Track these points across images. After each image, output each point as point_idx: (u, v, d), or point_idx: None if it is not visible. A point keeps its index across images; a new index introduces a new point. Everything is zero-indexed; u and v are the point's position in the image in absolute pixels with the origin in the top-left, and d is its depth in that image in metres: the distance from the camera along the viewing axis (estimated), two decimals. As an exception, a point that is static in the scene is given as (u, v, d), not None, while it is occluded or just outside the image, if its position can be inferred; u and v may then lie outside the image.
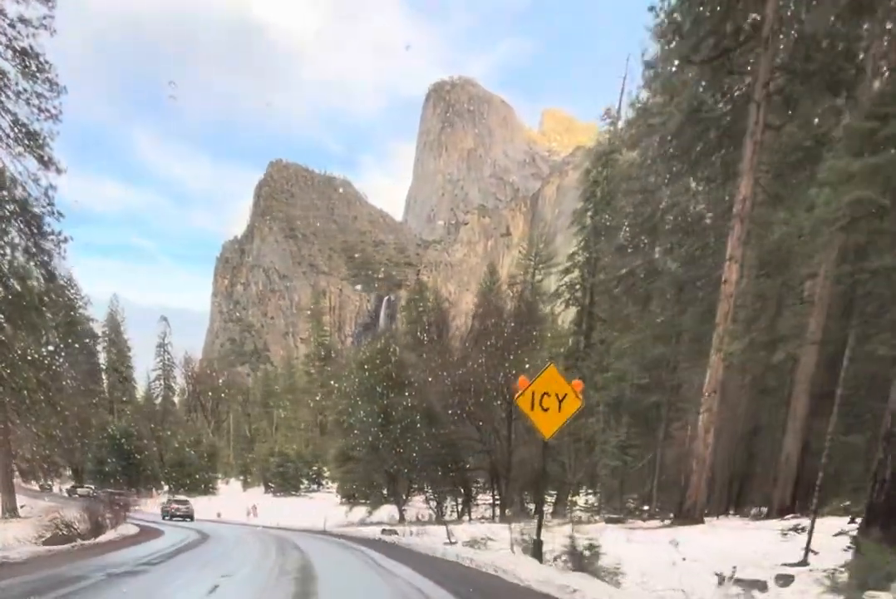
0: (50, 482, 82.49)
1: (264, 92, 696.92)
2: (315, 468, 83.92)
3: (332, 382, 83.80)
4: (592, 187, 44.07)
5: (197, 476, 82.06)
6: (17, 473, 66.56)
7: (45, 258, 42.17)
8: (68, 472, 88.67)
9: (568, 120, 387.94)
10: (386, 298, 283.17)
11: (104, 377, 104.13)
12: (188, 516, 44.27)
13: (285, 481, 76.94)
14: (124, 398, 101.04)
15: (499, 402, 38.15)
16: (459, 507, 43.14)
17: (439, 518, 38.39)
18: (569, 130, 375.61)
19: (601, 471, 32.27)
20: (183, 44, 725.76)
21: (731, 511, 25.91)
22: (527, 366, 34.50)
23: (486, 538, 16.60)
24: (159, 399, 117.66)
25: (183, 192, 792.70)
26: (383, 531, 25.62)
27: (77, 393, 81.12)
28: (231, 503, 63.26)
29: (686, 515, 20.76)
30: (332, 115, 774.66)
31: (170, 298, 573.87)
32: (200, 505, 59.31)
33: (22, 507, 49.44)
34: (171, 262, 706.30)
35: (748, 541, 13.89)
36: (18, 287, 39.42)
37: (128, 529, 26.07)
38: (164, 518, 44.11)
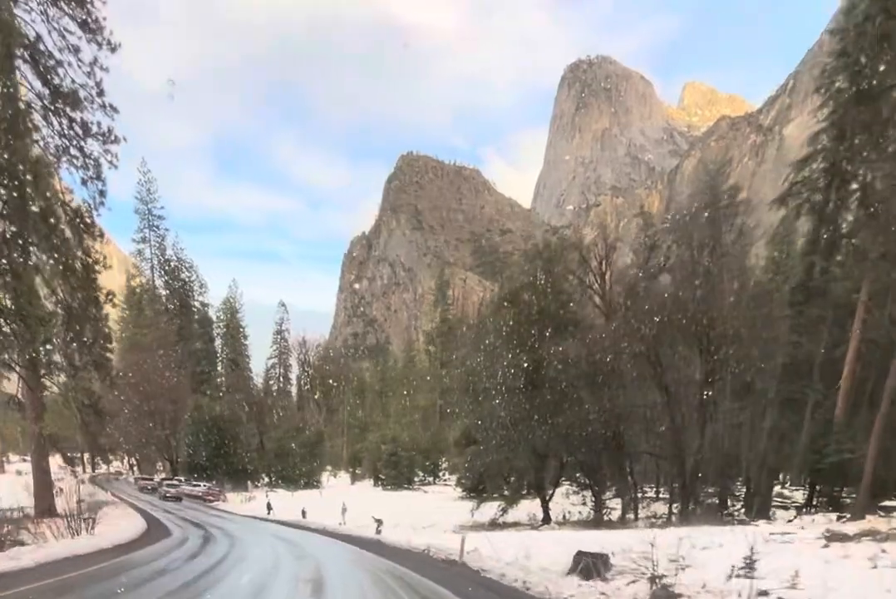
0: (147, 475, 75.37)
1: (399, 91, 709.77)
2: (431, 458, 71.52)
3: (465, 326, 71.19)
4: (861, 27, 27.76)
5: (299, 469, 71.40)
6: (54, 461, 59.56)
7: (91, 163, 31.70)
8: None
9: (710, 92, 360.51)
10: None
11: (219, 364, 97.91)
12: (177, 498, 49.43)
13: (397, 472, 64.65)
14: (227, 385, 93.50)
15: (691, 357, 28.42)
16: (623, 502, 30.93)
17: (598, 519, 29.09)
18: (710, 103, 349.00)
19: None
20: (322, 52, 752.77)
21: None
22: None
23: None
24: (274, 388, 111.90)
25: (317, 195, 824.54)
26: (583, 562, 10.86)
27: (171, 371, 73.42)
28: (329, 499, 51.49)
29: None
30: (463, 109, 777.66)
31: (299, 298, 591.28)
32: (286, 503, 47.58)
33: (80, 502, 41.03)
34: (301, 263, 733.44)
35: None
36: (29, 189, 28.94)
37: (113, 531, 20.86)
38: (160, 498, 49.23)
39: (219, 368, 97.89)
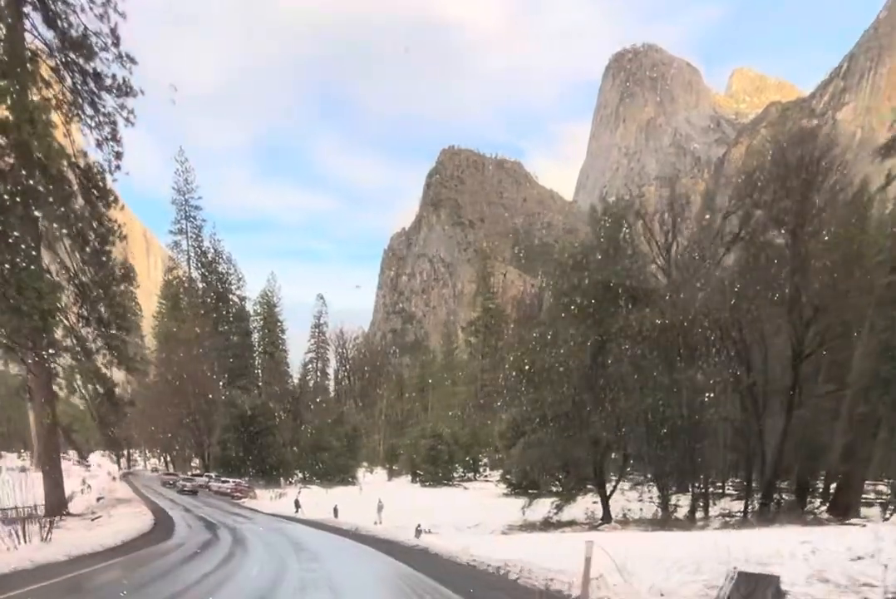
0: (171, 471, 74.83)
1: (440, 88, 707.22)
2: (471, 453, 68.46)
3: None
4: None
5: (335, 464, 68.42)
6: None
7: (105, 121, 29.13)
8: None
9: (759, 78, 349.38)
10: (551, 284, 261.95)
11: (256, 358, 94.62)
12: (193, 491, 51.73)
13: (437, 468, 61.20)
14: (263, 380, 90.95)
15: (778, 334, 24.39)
16: (692, 498, 26.96)
17: (667, 517, 25.18)
18: (759, 90, 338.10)
19: None
20: (362, 50, 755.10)
21: None
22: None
23: None
24: (311, 383, 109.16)
25: (357, 193, 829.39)
26: (743, 589, 6.29)
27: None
28: (364, 496, 48.37)
29: None
30: (504, 104, 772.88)
31: (337, 297, 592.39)
32: (319, 500, 44.38)
33: (100, 499, 40.05)
34: (340, 262, 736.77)
35: None
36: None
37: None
38: (178, 492, 51.77)
39: (255, 362, 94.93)
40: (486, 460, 72.30)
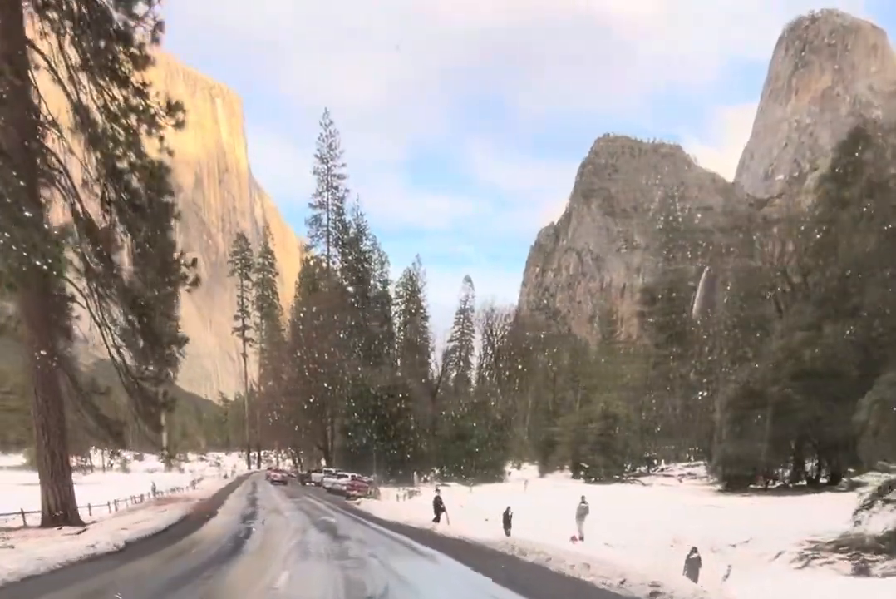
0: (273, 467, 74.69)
1: (593, 82, 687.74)
2: (645, 441, 57.18)
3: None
4: None
5: (486, 457, 58.67)
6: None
7: None
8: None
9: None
10: (706, 269, 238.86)
11: (396, 346, 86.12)
12: (283, 481, 57.65)
13: (608, 459, 49.54)
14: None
15: None
16: None
17: None
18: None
19: None
20: (513, 51, 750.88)
21: None
22: None
23: None
24: (453, 374, 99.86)
25: (503, 194, 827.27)
26: None
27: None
28: (528, 495, 37.85)
29: None
30: (662, 92, 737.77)
31: (483, 298, 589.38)
32: (463, 501, 33.72)
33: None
34: (484, 264, 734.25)
35: None
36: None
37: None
38: (270, 482, 56.42)
39: (395, 349, 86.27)
40: (654, 450, 60.22)
